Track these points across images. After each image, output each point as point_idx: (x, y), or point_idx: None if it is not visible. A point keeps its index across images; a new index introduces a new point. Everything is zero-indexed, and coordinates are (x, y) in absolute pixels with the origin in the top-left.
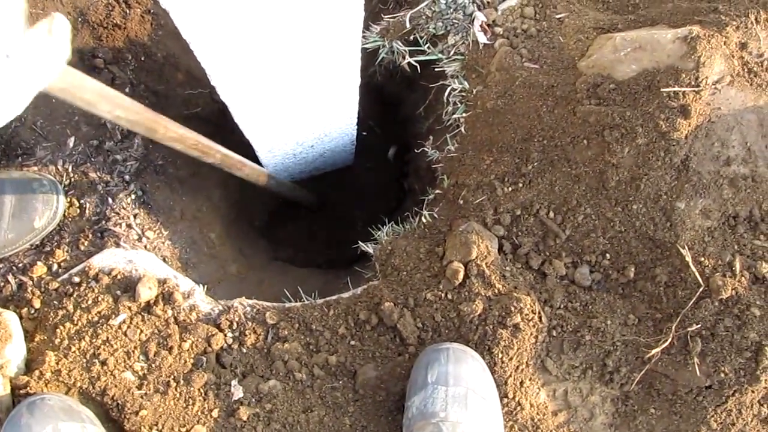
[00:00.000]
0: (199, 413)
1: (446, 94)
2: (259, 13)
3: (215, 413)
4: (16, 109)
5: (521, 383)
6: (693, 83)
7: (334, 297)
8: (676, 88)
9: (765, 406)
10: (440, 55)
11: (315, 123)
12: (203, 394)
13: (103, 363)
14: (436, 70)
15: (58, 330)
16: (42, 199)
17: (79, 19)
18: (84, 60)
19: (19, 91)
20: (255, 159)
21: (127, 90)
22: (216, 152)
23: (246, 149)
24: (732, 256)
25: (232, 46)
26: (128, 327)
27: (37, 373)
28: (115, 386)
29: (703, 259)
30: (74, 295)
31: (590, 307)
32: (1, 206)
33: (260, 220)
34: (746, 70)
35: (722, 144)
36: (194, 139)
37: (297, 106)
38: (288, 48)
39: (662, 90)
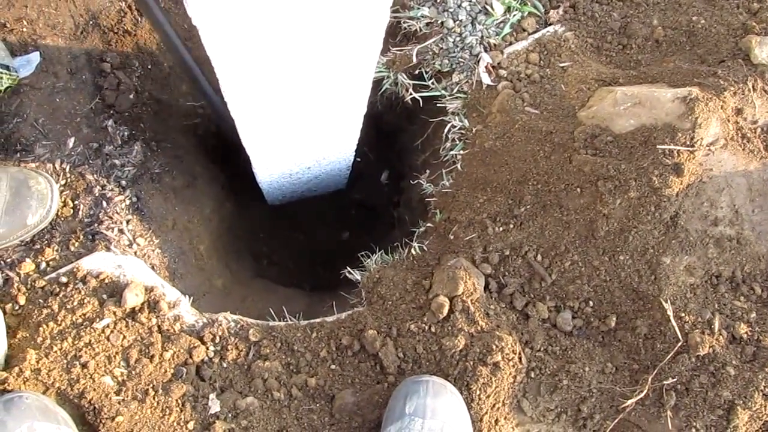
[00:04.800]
0: (175, 424)
1: (446, 130)
2: (284, 38)
3: (191, 425)
4: None
5: (496, 421)
6: (688, 143)
7: (318, 319)
8: (672, 146)
9: None
10: (443, 92)
11: (317, 146)
12: (180, 405)
13: (84, 366)
14: (437, 105)
15: (41, 329)
16: (37, 196)
17: (91, 22)
18: (91, 63)
19: None
20: (251, 173)
21: (131, 96)
22: None
23: (241, 164)
24: (712, 315)
25: (253, 69)
26: (111, 332)
27: (16, 370)
28: (94, 390)
29: (683, 314)
30: (60, 295)
31: (570, 352)
32: None
33: (248, 236)
34: (740, 135)
35: (711, 204)
36: None
37: (304, 128)
38: (305, 73)
39: (658, 147)
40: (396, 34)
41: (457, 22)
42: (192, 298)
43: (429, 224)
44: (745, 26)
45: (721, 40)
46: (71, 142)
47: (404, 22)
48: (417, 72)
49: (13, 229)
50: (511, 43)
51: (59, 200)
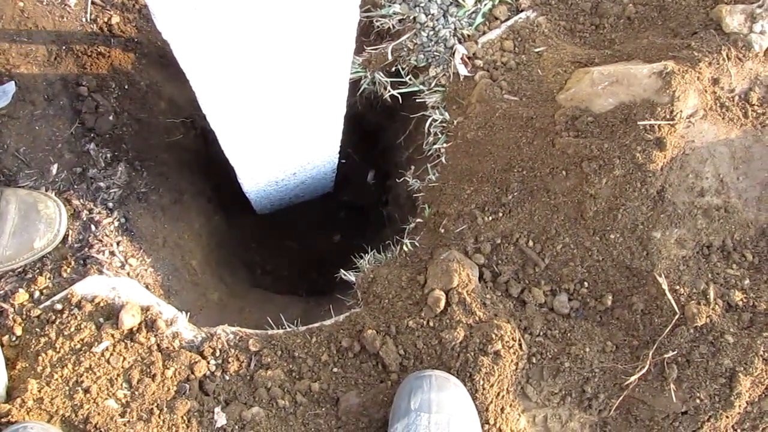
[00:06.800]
0: None
1: (427, 124)
2: (254, 45)
3: None
4: None
5: (502, 409)
6: (668, 117)
7: (316, 324)
8: (652, 121)
9: (739, 431)
10: (421, 87)
11: (300, 151)
12: (186, 422)
13: (86, 391)
14: (417, 101)
15: (40, 357)
16: (45, 220)
17: (64, 47)
18: (68, 88)
19: None
20: (237, 184)
21: (111, 118)
22: None
23: (227, 176)
24: (706, 285)
25: (226, 78)
26: (111, 354)
27: (18, 401)
28: (98, 414)
29: (678, 287)
30: (56, 323)
31: (569, 334)
32: (4, 223)
33: (240, 247)
34: (718, 104)
35: (696, 176)
36: None
37: (284, 135)
38: (280, 79)
39: (639, 123)
40: (369, 33)
41: (429, 16)
42: (189, 313)
43: (419, 220)
44: None
45: (691, 12)
46: (54, 168)
47: (377, 21)
48: (394, 69)
49: (20, 252)
50: (484, 33)
51: (67, 225)
